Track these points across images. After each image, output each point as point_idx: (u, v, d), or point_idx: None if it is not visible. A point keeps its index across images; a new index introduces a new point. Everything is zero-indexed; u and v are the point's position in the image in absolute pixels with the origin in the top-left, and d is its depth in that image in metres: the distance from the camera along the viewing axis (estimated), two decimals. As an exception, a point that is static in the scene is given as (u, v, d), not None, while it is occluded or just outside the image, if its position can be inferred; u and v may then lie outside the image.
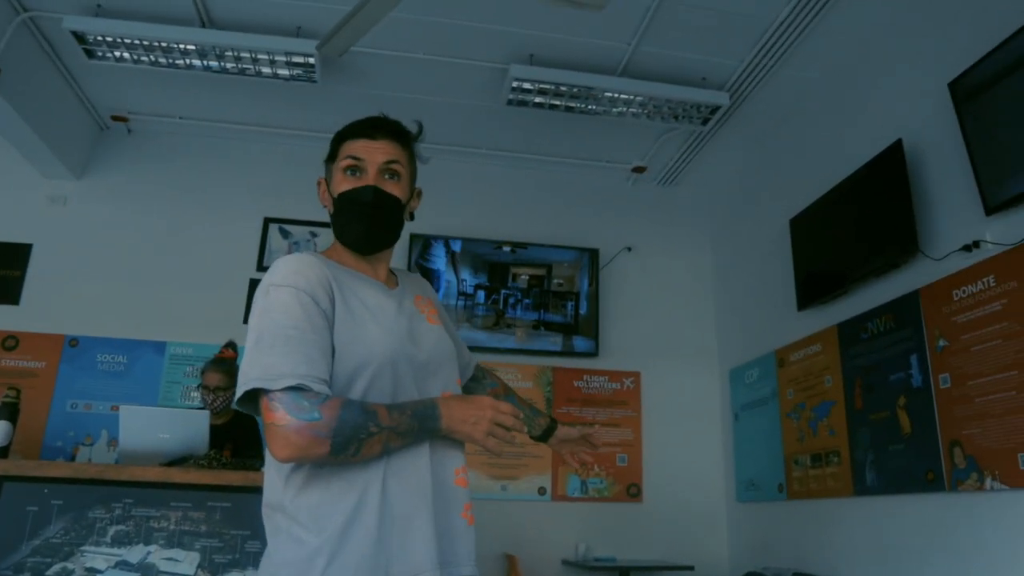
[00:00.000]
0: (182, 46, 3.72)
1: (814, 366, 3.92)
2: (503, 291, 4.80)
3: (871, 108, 3.67)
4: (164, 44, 3.71)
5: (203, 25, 3.73)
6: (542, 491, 4.55)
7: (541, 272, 4.89)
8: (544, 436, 1.84)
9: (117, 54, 3.78)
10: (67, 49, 3.98)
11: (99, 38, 3.65)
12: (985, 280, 2.86)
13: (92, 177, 4.74)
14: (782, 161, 4.49)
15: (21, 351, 4.36)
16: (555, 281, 4.89)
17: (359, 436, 1.21)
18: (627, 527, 4.55)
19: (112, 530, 2.39)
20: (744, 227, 4.87)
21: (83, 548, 2.35)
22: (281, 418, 1.18)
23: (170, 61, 3.84)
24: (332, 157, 1.52)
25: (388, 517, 1.26)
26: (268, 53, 3.76)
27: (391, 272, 1.59)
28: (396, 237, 1.54)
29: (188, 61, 3.84)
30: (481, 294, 4.80)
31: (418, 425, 1.29)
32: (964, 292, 2.96)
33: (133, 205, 4.71)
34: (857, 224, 3.58)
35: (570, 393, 4.76)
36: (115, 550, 2.36)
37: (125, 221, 4.66)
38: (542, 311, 4.82)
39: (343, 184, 1.46)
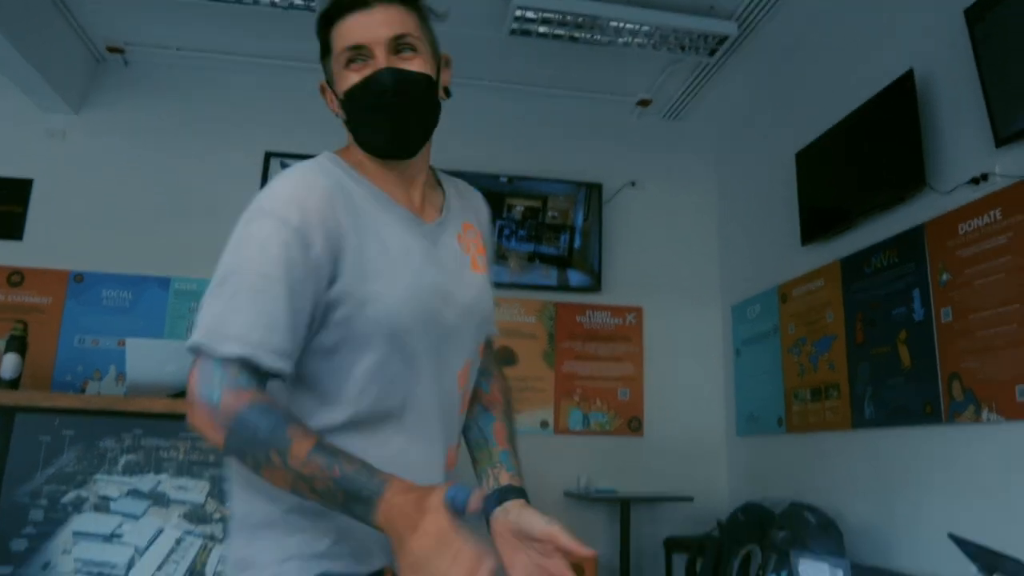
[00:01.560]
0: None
1: (816, 301, 3.93)
2: (498, 221, 4.77)
3: (882, 37, 3.58)
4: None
5: (197, -49, 3.63)
6: (544, 424, 4.62)
7: (536, 204, 4.86)
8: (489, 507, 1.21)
9: (110, -18, 3.69)
10: (58, -23, 3.89)
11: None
12: (992, 213, 2.84)
13: (90, 110, 4.68)
14: (789, 94, 4.40)
15: (27, 287, 4.38)
16: (550, 214, 4.86)
17: (256, 455, 0.93)
18: (628, 460, 4.64)
19: (123, 460, 2.44)
20: (749, 162, 4.81)
21: (96, 476, 2.41)
22: (192, 384, 0.97)
23: (164, -10, 3.75)
24: (326, 50, 1.16)
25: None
26: (265, -19, 3.67)
27: (436, 183, 1.26)
28: (433, 126, 1.19)
29: (183, -11, 3.75)
30: (481, 225, 4.78)
31: (342, 497, 0.90)
32: (970, 226, 2.94)
33: (133, 139, 4.66)
34: (864, 157, 3.53)
35: (572, 328, 4.79)
36: (127, 478, 2.42)
37: (126, 155, 4.62)
38: (536, 243, 4.81)
39: (349, 78, 1.11)
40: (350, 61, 1.11)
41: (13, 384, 2.69)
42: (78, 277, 4.43)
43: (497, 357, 1.38)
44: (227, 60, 4.72)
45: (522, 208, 4.84)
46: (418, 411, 1.10)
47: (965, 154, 3.01)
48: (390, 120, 1.10)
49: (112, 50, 4.62)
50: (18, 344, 2.74)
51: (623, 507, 4.16)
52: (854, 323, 3.61)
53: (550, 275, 4.78)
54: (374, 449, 1.00)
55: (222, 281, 1.00)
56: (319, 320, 1.03)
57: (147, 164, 4.63)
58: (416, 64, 1.13)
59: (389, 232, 1.09)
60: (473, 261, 1.21)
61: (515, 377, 4.64)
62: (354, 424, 1.05)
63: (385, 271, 1.05)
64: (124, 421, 2.47)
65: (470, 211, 1.28)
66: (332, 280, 1.02)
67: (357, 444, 0.99)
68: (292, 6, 3.88)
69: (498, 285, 4.56)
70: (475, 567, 0.83)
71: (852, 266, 3.65)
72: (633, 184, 5.03)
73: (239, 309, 0.97)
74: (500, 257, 4.73)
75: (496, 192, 4.79)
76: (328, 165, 1.11)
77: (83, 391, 4.15)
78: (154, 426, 2.47)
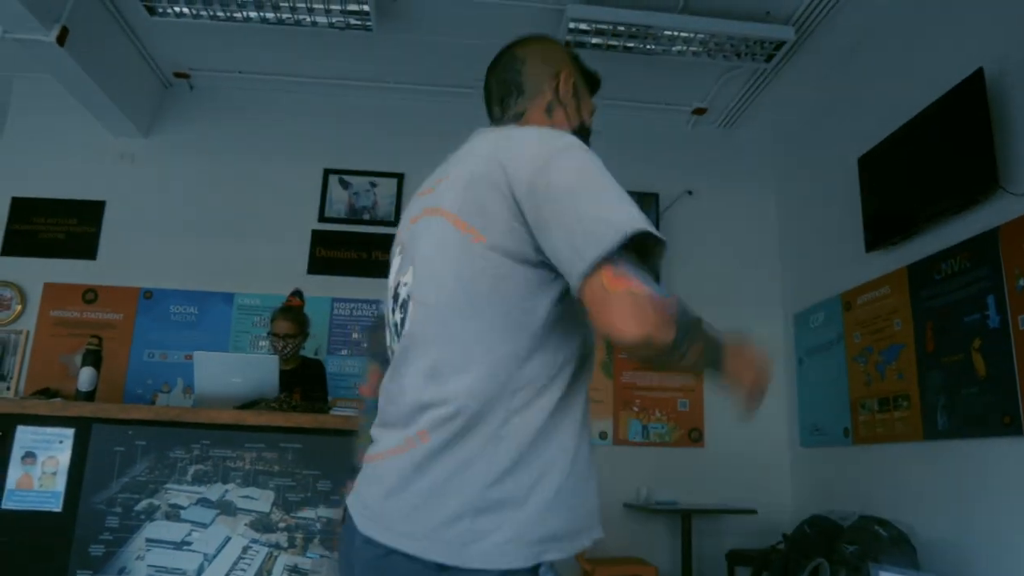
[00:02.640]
0: (239, -1, 3.76)
1: (882, 309, 3.81)
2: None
3: (948, 35, 3.47)
4: (221, -3, 3.75)
5: (258, -24, 3.75)
6: (603, 435, 4.58)
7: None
8: None
9: (177, 9, 3.84)
10: (129, 7, 4.05)
11: (159, -6, 3.71)
12: (1070, 215, 2.73)
13: (158, 134, 4.87)
14: (850, 98, 4.30)
15: (100, 304, 4.56)
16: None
17: (691, 336, 0.99)
18: (689, 472, 4.56)
19: (192, 469, 2.51)
20: (809, 168, 4.71)
21: (166, 486, 2.48)
22: (637, 286, 0.93)
23: (228, 14, 3.87)
24: (595, 89, 1.48)
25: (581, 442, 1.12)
26: (323, 2, 3.76)
27: None
28: None
29: (245, 13, 3.87)
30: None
31: (715, 357, 1.08)
32: (1047, 228, 2.82)
33: (198, 160, 4.82)
34: (931, 160, 3.42)
35: (630, 339, 4.75)
36: (196, 488, 2.48)
37: (191, 176, 4.79)
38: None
39: (590, 120, 1.46)
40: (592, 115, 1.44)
41: (89, 396, 2.79)
42: (147, 294, 4.59)
43: None
44: (286, 81, 4.85)
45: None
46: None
47: (1040, 154, 2.90)
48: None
49: (179, 75, 4.81)
50: (94, 358, 2.85)
51: (684, 519, 4.09)
52: (924, 331, 3.49)
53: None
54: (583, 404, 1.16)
55: (604, 189, 1.02)
56: None
57: (211, 184, 4.78)
58: None
59: None
60: None
61: (572, 389, 4.62)
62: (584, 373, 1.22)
63: None
64: (193, 432, 2.54)
65: None
66: None
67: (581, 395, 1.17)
68: (349, 26, 3.97)
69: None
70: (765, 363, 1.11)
71: (920, 272, 3.54)
72: (690, 193, 4.98)
73: (631, 205, 1.00)
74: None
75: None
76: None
77: (153, 403, 4.29)
78: (221, 437, 2.54)
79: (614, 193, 1.01)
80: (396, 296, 1.17)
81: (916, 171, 3.52)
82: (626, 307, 0.92)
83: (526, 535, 0.98)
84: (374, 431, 1.16)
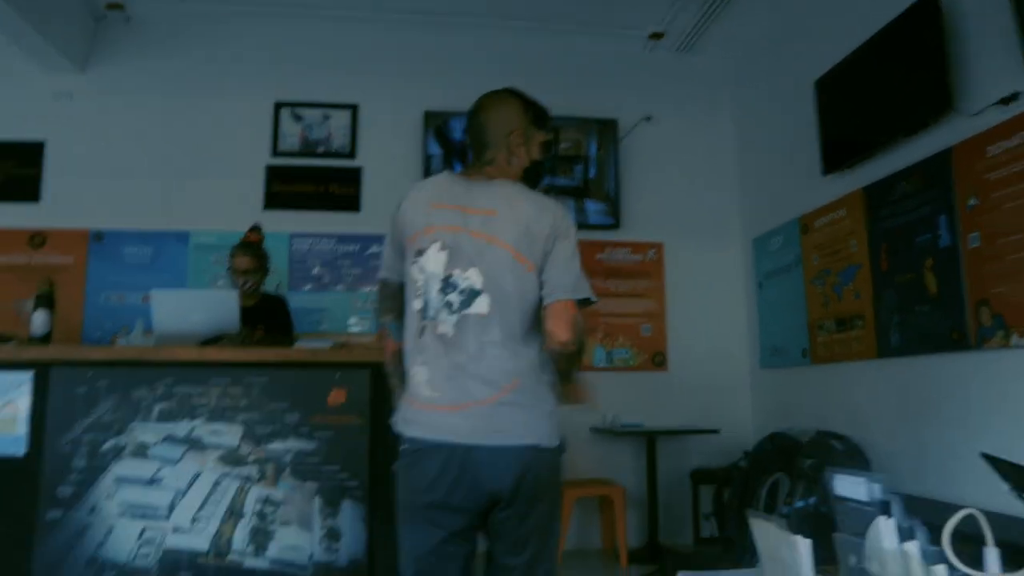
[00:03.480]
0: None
1: (839, 231, 3.88)
2: (511, 156, 4.74)
3: (906, -46, 3.45)
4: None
5: None
6: (568, 364, 4.64)
7: (548, 136, 4.78)
8: None
9: (110, -69, 3.61)
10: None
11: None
12: (1022, 134, 2.77)
13: (96, 69, 4.64)
14: (807, 21, 4.27)
15: (49, 248, 4.42)
16: (563, 145, 4.81)
17: (580, 355, 1.80)
18: (653, 395, 4.67)
19: (157, 407, 2.48)
20: (767, 92, 4.71)
21: (132, 424, 2.46)
22: (578, 318, 1.72)
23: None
24: (542, 125, 1.99)
25: None
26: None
27: None
28: None
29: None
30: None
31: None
32: (999, 148, 2.88)
33: (142, 95, 4.63)
34: (887, 83, 3.44)
35: (592, 265, 4.77)
36: (162, 425, 2.46)
37: (136, 112, 4.60)
38: (550, 175, 4.77)
39: (542, 152, 1.99)
40: (542, 147, 1.98)
41: (45, 340, 2.72)
42: (98, 236, 4.46)
43: None
44: (230, 9, 4.64)
45: (534, 141, 4.78)
46: None
47: (993, 74, 2.92)
48: (536, 184, 1.96)
49: (112, 7, 4.56)
50: (46, 301, 2.77)
51: (649, 441, 4.21)
52: (879, 252, 3.57)
53: (567, 206, 4.75)
54: None
55: (577, 265, 1.78)
56: None
57: (158, 120, 4.60)
58: None
59: None
60: None
61: (536, 319, 4.65)
62: None
63: None
64: (155, 371, 2.50)
65: None
66: None
67: None
68: (296, -52, 3.79)
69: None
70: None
71: (876, 194, 3.60)
72: (648, 119, 4.95)
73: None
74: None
75: (507, 129, 4.74)
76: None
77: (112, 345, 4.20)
78: (185, 374, 2.50)
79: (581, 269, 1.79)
80: (449, 281, 1.72)
81: (872, 93, 3.55)
82: (573, 324, 1.70)
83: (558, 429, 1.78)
84: (435, 382, 1.71)
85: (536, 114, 1.94)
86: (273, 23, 4.75)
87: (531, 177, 1.91)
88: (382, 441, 2.52)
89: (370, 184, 4.67)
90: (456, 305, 1.70)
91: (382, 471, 2.50)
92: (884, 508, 1.32)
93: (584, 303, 1.74)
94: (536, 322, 1.74)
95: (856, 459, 3.35)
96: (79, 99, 4.58)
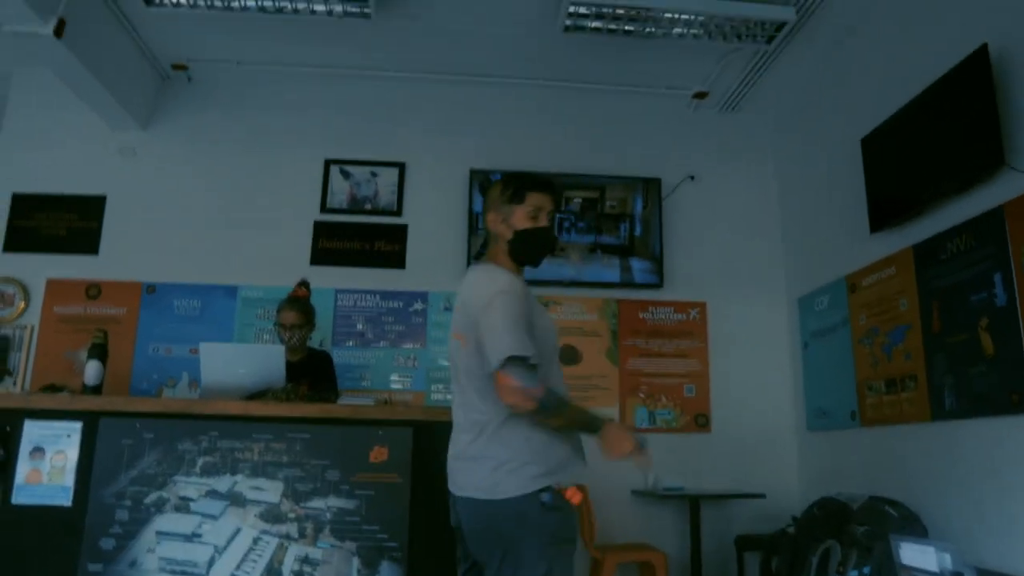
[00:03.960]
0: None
1: (888, 290, 3.80)
2: (557, 215, 4.77)
3: (950, 11, 3.44)
4: (218, -13, 3.72)
5: (255, -34, 3.72)
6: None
7: (594, 195, 4.82)
8: None
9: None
10: (125, -2, 4.03)
11: (155, -15, 3.69)
12: (1078, 191, 2.71)
13: (157, 127, 4.84)
14: (852, 78, 4.27)
15: (104, 299, 4.55)
16: (608, 203, 4.82)
17: (553, 410, 1.91)
18: (696, 457, 4.56)
19: (200, 461, 2.50)
20: (811, 150, 4.69)
21: (175, 478, 2.48)
22: (513, 379, 1.86)
23: (225, 3, 3.85)
24: (518, 199, 2.10)
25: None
26: (320, -10, 3.74)
27: None
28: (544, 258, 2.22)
29: (242, 2, 3.85)
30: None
31: (585, 425, 1.97)
32: (1054, 205, 2.81)
33: (198, 152, 4.80)
34: (935, 139, 3.40)
35: (635, 325, 4.74)
36: (205, 479, 2.48)
37: (192, 169, 4.77)
38: (596, 234, 4.77)
39: (526, 221, 2.09)
40: (531, 215, 2.10)
41: (96, 390, 2.78)
42: (150, 288, 4.58)
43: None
44: (285, 72, 4.82)
45: (580, 200, 4.81)
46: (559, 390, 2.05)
47: (1046, 130, 2.87)
48: (544, 252, 2.17)
49: (177, 67, 4.78)
50: (99, 352, 2.84)
51: (692, 504, 4.09)
52: (930, 311, 3.47)
53: (612, 265, 4.74)
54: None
55: (513, 324, 1.91)
56: None
57: (212, 176, 4.76)
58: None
59: (540, 307, 2.12)
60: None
61: (579, 376, 4.62)
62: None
63: (544, 317, 2.09)
64: (200, 424, 2.53)
65: None
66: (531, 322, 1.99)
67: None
68: (347, 14, 3.94)
69: (558, 283, 4.55)
70: (628, 439, 1.93)
71: (926, 252, 3.52)
72: (692, 178, 4.96)
73: (520, 335, 1.91)
74: (559, 251, 4.72)
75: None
76: (502, 271, 2.07)
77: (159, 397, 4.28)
78: (229, 428, 2.52)
79: (511, 323, 1.91)
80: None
81: (920, 151, 3.50)
82: (507, 391, 1.88)
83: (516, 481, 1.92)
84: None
85: (516, 188, 2.11)
86: (324, 84, 4.91)
87: (522, 246, 2.10)
88: (423, 501, 2.49)
89: (415, 241, 4.73)
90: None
91: (422, 532, 2.47)
92: (952, 582, 1.26)
93: (519, 360, 1.88)
94: (489, 386, 1.95)
95: (912, 526, 3.20)
96: (140, 155, 4.78)
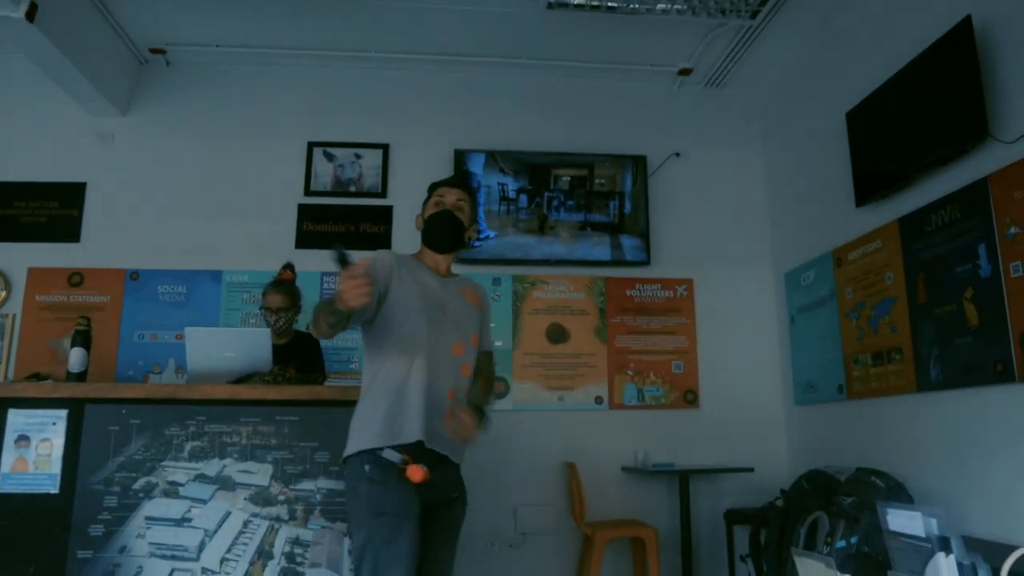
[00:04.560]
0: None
1: (874, 263, 3.82)
2: (546, 193, 4.75)
3: (935, -15, 3.44)
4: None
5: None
6: (599, 400, 4.59)
7: (583, 173, 4.81)
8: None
9: (149, -19, 3.75)
10: (100, -20, 3.95)
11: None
12: (1061, 160, 2.72)
13: (137, 112, 4.78)
14: (836, 52, 4.26)
15: (87, 286, 4.50)
16: (597, 181, 4.81)
17: (316, 314, 2.04)
18: (685, 433, 4.59)
19: (188, 446, 2.49)
20: (796, 125, 4.69)
21: (163, 463, 2.46)
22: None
23: (202, -15, 3.79)
24: (428, 195, 2.35)
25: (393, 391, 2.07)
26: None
27: (453, 274, 2.36)
28: (456, 248, 2.32)
29: (220, -17, 3.78)
30: (524, 198, 4.75)
31: (333, 306, 1.91)
32: (1038, 175, 2.81)
33: (179, 137, 4.74)
34: (920, 112, 3.40)
35: (623, 302, 4.75)
36: (193, 464, 2.46)
37: (173, 154, 4.71)
38: (586, 211, 4.76)
39: (431, 210, 2.30)
40: (435, 204, 2.30)
41: (81, 377, 2.76)
42: (134, 275, 4.53)
43: (490, 361, 2.40)
44: (265, 54, 4.76)
45: (569, 178, 4.79)
46: (427, 355, 2.11)
47: (1030, 100, 2.88)
48: (440, 234, 2.28)
49: (154, 51, 4.71)
50: (83, 339, 2.80)
51: (682, 480, 4.12)
52: (916, 283, 3.49)
53: (603, 242, 4.73)
54: (403, 369, 2.10)
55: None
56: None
57: (194, 161, 4.71)
58: (460, 216, 2.30)
59: (421, 275, 2.23)
60: (467, 296, 2.30)
61: (568, 354, 4.62)
62: (399, 352, 2.12)
63: (412, 285, 2.17)
64: (187, 409, 2.51)
65: (469, 286, 2.36)
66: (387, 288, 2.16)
67: (401, 364, 2.10)
68: (327, -7, 3.89)
69: (547, 262, 4.53)
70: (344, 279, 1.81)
71: (911, 225, 3.54)
72: (678, 155, 4.95)
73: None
74: (549, 229, 4.71)
75: (541, 164, 4.77)
76: (392, 254, 2.25)
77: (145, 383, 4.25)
78: (217, 412, 2.51)
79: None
80: None
81: (905, 124, 3.51)
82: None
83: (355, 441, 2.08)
84: None
85: (429, 188, 2.37)
86: (306, 66, 4.86)
87: (427, 231, 2.29)
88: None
89: (400, 222, 4.70)
90: None
91: (412, 510, 2.47)
92: (943, 545, 1.27)
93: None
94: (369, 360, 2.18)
95: (898, 496, 3.24)
96: (119, 141, 4.71)
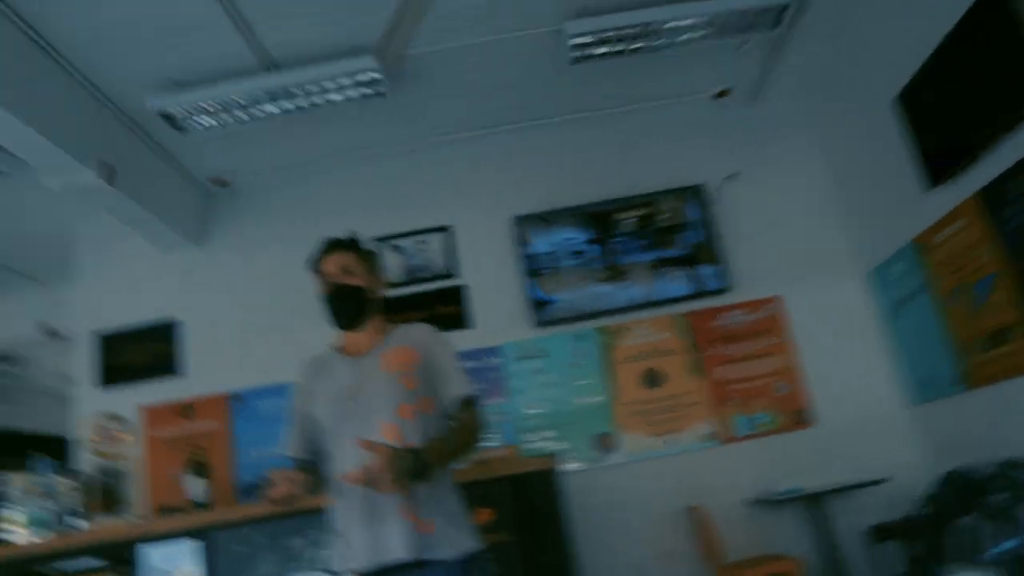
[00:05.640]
0: (255, 96, 3.93)
1: (963, 242, 3.65)
2: (613, 240, 4.74)
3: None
4: (240, 100, 3.92)
5: (267, 71, 3.90)
6: (708, 437, 4.47)
7: (646, 211, 4.79)
8: None
9: (202, 122, 4.02)
10: (158, 130, 4.26)
11: (183, 112, 3.91)
12: None
13: (211, 241, 5.06)
14: (870, 41, 4.18)
15: (198, 416, 4.72)
16: (661, 217, 4.78)
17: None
18: (804, 454, 4.38)
19: (311, 554, 2.53)
20: (847, 120, 4.59)
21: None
22: None
23: (250, 116, 4.04)
24: (314, 272, 2.20)
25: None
26: (333, 79, 3.88)
27: (386, 331, 2.15)
28: (361, 314, 2.12)
29: (264, 110, 4.04)
30: (594, 248, 4.75)
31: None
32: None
33: (253, 259, 4.98)
34: (972, 82, 3.29)
35: (710, 334, 4.64)
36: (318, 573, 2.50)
37: (251, 275, 4.94)
38: (657, 249, 4.72)
39: (319, 291, 2.14)
40: (321, 281, 2.14)
41: (205, 505, 2.87)
42: (237, 397, 4.73)
43: (466, 409, 2.06)
44: (318, 163, 5.00)
45: (632, 219, 4.78)
46: (343, 457, 1.95)
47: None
48: (337, 313, 2.13)
49: (216, 182, 5.02)
50: (197, 468, 2.93)
51: (814, 503, 3.92)
52: (1014, 254, 3.31)
53: (679, 276, 4.67)
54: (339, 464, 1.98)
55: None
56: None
57: (270, 279, 4.91)
58: (352, 280, 2.10)
59: (334, 370, 2.11)
60: (390, 360, 2.04)
61: (667, 396, 4.54)
62: (331, 466, 2.05)
63: (319, 392, 2.11)
64: (305, 519, 2.57)
65: (407, 339, 2.11)
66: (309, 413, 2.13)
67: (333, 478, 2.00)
68: (364, 97, 4.08)
69: (633, 308, 4.36)
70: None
71: (993, 196, 3.38)
72: (734, 176, 4.88)
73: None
74: (623, 275, 4.68)
75: (602, 212, 4.79)
76: (312, 359, 2.26)
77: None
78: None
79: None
80: None
81: (959, 96, 3.40)
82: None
83: None
84: None
85: (309, 267, 2.27)
86: (358, 165, 5.06)
87: (328, 318, 2.16)
88: (535, 560, 2.46)
89: (476, 298, 4.76)
90: None
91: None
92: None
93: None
94: None
95: (1051, 484, 3.00)
96: (199, 272, 4.99)
